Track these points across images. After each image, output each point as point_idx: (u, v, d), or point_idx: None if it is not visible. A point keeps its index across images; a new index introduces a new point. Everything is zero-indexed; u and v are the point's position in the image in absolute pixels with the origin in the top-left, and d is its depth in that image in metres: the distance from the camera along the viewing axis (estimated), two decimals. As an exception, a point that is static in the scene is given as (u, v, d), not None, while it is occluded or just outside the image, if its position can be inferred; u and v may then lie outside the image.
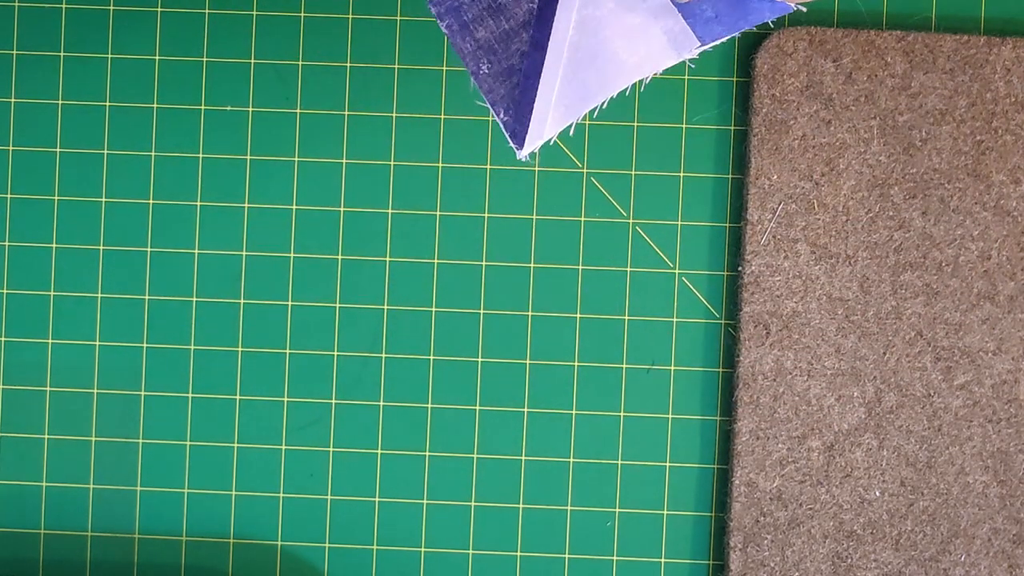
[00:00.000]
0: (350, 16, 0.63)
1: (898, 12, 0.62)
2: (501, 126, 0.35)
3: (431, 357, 0.63)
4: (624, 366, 0.63)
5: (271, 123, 0.63)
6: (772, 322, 0.61)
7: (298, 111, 0.63)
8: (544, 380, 0.63)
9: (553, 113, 0.34)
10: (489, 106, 0.34)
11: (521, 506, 0.63)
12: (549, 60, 0.33)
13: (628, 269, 0.63)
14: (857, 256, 0.61)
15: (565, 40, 0.32)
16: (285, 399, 0.63)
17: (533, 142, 0.34)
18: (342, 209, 0.63)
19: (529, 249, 0.63)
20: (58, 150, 0.63)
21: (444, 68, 0.63)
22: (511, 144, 0.35)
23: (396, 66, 0.63)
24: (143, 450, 0.63)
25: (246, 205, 0.63)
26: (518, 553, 0.63)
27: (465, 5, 0.33)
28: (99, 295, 0.63)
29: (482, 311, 0.63)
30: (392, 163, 0.63)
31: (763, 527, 0.61)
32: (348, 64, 0.63)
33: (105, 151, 0.63)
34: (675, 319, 0.63)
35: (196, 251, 0.63)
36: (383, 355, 0.63)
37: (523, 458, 0.63)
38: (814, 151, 0.61)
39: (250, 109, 0.63)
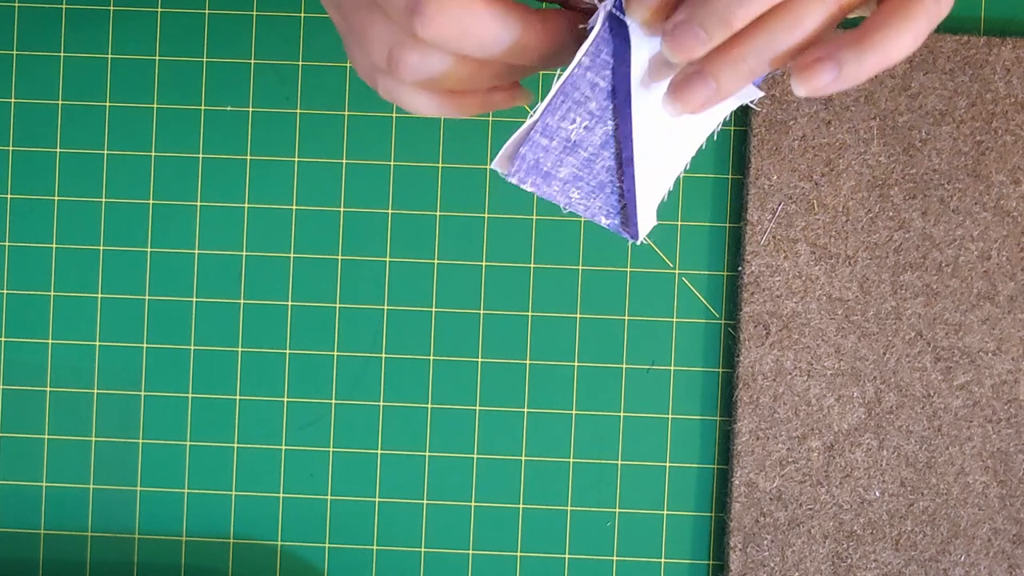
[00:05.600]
0: (350, 16, 0.63)
1: (898, 12, 0.62)
2: (607, 228, 0.37)
3: (431, 357, 0.63)
4: (624, 366, 0.63)
5: (271, 123, 0.63)
6: (772, 322, 0.61)
7: (298, 111, 0.63)
8: (544, 380, 0.63)
9: (654, 196, 0.37)
10: (588, 218, 0.36)
11: (521, 506, 0.63)
12: (638, 158, 0.36)
13: (628, 269, 0.63)
14: (857, 256, 0.61)
15: (646, 133, 0.35)
16: (285, 399, 0.63)
17: (646, 228, 0.38)
18: (342, 209, 0.63)
19: (529, 249, 0.63)
20: (58, 150, 0.63)
21: (444, 68, 0.63)
22: (623, 235, 0.38)
23: (396, 66, 0.63)
24: (143, 450, 0.63)
25: (246, 205, 0.63)
26: (518, 553, 0.63)
27: (541, 159, 0.35)
28: (99, 295, 0.63)
29: (482, 311, 0.63)
30: (392, 163, 0.63)
31: (763, 527, 0.61)
32: (348, 64, 0.63)
33: (105, 151, 0.63)
34: (675, 319, 0.63)
35: (196, 251, 0.63)
36: (383, 355, 0.63)
37: (523, 458, 0.63)
38: (814, 151, 0.61)
39: (250, 109, 0.63)
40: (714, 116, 0.36)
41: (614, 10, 0.32)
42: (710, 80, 0.33)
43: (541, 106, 0.34)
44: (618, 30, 0.33)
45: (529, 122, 0.34)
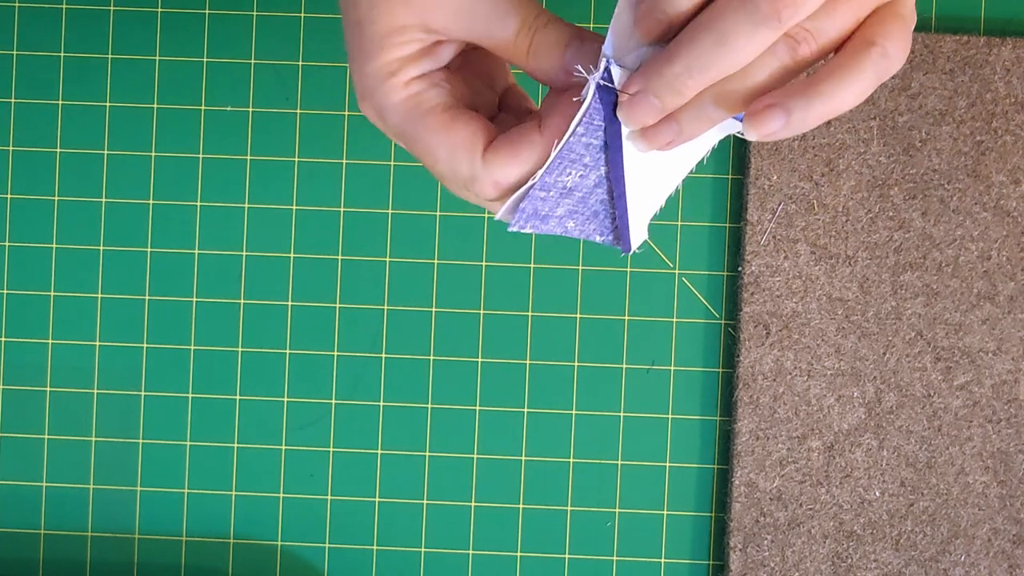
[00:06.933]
0: (350, 16, 0.63)
1: (898, 12, 0.62)
2: (600, 243, 0.42)
3: (431, 357, 0.63)
4: (624, 366, 0.63)
5: (271, 123, 0.63)
6: (772, 322, 0.61)
7: (298, 111, 0.63)
8: (544, 380, 0.63)
9: (645, 215, 0.41)
10: (583, 238, 0.42)
11: (521, 506, 0.63)
12: (629, 191, 0.39)
13: (628, 269, 0.63)
14: (857, 256, 0.61)
15: (636, 170, 0.39)
16: (285, 399, 0.63)
17: (638, 242, 0.41)
18: (342, 209, 0.63)
19: (529, 249, 0.63)
20: (58, 150, 0.63)
21: (444, 68, 0.63)
22: (616, 247, 0.42)
23: (396, 66, 0.63)
24: (143, 450, 0.63)
25: (246, 205, 0.63)
26: (518, 553, 0.63)
27: (539, 207, 0.39)
28: (99, 295, 0.63)
29: (482, 311, 0.63)
30: (392, 163, 0.63)
31: (763, 527, 0.61)
32: (348, 64, 0.63)
33: (105, 151, 0.63)
34: (675, 319, 0.63)
35: (196, 251, 0.63)
36: (383, 355, 0.63)
37: (523, 458, 0.63)
38: (814, 151, 0.61)
39: (250, 109, 0.63)
40: (702, 145, 0.39)
41: (602, 81, 0.35)
42: (673, 123, 0.36)
43: (540, 172, 0.37)
44: (607, 97, 0.36)
45: (529, 182, 0.37)
